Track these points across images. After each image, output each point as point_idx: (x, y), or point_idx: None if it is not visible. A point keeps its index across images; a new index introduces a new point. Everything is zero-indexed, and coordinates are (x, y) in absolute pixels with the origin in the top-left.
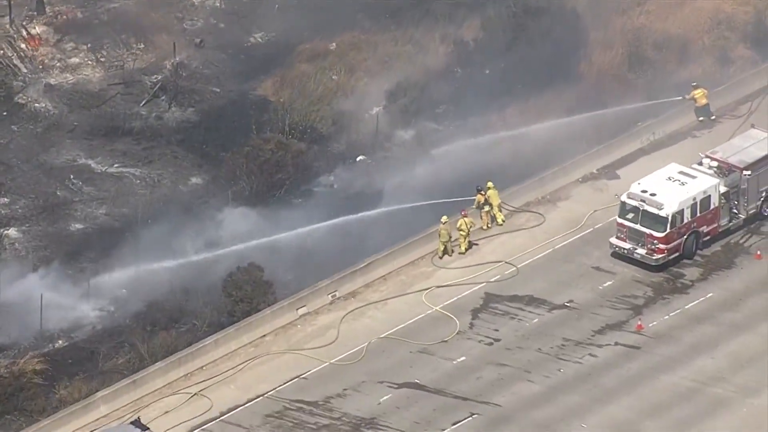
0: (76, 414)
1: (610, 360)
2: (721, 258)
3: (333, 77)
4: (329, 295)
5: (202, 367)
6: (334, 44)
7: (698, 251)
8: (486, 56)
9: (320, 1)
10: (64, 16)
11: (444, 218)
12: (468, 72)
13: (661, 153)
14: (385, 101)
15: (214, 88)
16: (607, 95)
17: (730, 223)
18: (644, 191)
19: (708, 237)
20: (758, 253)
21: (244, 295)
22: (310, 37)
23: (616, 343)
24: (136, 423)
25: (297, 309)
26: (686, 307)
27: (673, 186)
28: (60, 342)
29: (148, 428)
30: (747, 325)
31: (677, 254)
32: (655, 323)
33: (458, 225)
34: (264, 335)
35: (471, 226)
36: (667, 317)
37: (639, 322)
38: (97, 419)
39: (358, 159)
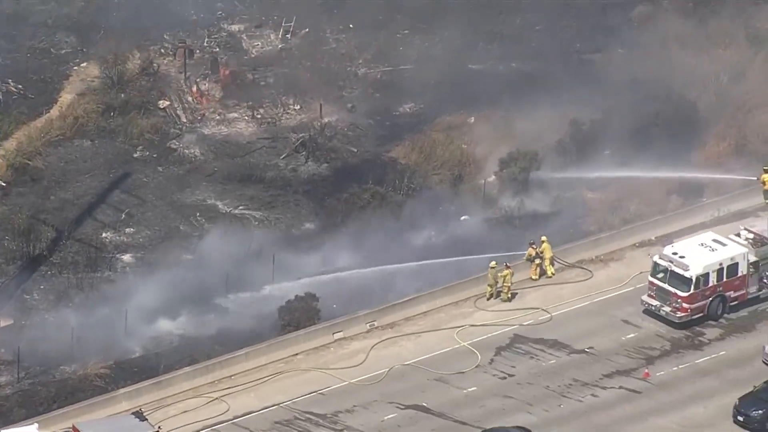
0: (99, 405)
1: (609, 401)
2: (745, 322)
3: (463, 146)
4: (367, 324)
5: (230, 376)
6: (472, 118)
7: (724, 315)
8: (603, 137)
9: (473, 79)
10: (233, 77)
11: (492, 263)
12: (583, 149)
13: (721, 228)
14: (498, 169)
15: (351, 148)
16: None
17: (760, 292)
18: (675, 253)
19: (736, 302)
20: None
21: (292, 319)
22: (453, 110)
23: (620, 387)
24: (137, 414)
25: (333, 333)
26: (696, 361)
27: (703, 251)
28: (136, 353)
29: (147, 419)
30: (748, 381)
31: (702, 314)
32: (662, 373)
33: (503, 274)
34: (296, 354)
35: (510, 276)
36: (675, 368)
37: (646, 371)
38: (118, 413)
39: (462, 218)
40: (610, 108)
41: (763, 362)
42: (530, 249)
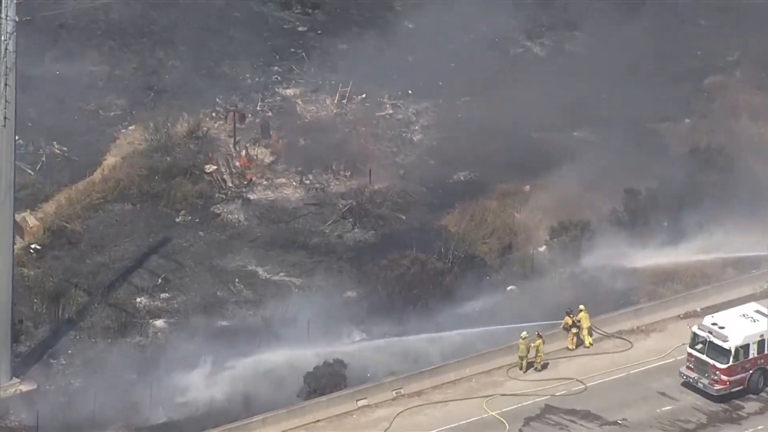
0: None
1: None
2: None
3: (515, 214)
4: (393, 391)
5: None
6: (527, 186)
7: (766, 388)
8: (659, 207)
9: (532, 147)
10: (285, 142)
11: (524, 333)
12: (637, 218)
13: None
14: (548, 238)
15: (400, 215)
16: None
17: None
18: (714, 324)
19: None
20: None
21: (318, 385)
22: (509, 178)
23: None
24: None
25: (357, 400)
26: None
27: (744, 322)
28: (161, 419)
29: None
30: None
31: (741, 388)
32: None
33: (535, 344)
34: (318, 420)
35: (542, 345)
36: None
37: None
38: None
39: (508, 288)
40: (669, 177)
41: None
42: (567, 318)
